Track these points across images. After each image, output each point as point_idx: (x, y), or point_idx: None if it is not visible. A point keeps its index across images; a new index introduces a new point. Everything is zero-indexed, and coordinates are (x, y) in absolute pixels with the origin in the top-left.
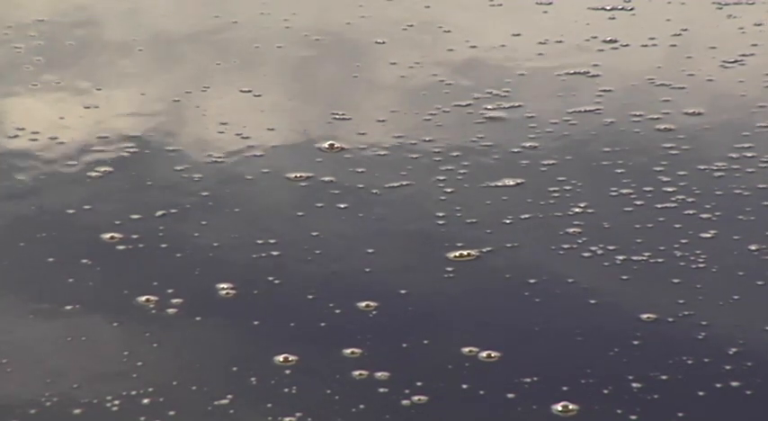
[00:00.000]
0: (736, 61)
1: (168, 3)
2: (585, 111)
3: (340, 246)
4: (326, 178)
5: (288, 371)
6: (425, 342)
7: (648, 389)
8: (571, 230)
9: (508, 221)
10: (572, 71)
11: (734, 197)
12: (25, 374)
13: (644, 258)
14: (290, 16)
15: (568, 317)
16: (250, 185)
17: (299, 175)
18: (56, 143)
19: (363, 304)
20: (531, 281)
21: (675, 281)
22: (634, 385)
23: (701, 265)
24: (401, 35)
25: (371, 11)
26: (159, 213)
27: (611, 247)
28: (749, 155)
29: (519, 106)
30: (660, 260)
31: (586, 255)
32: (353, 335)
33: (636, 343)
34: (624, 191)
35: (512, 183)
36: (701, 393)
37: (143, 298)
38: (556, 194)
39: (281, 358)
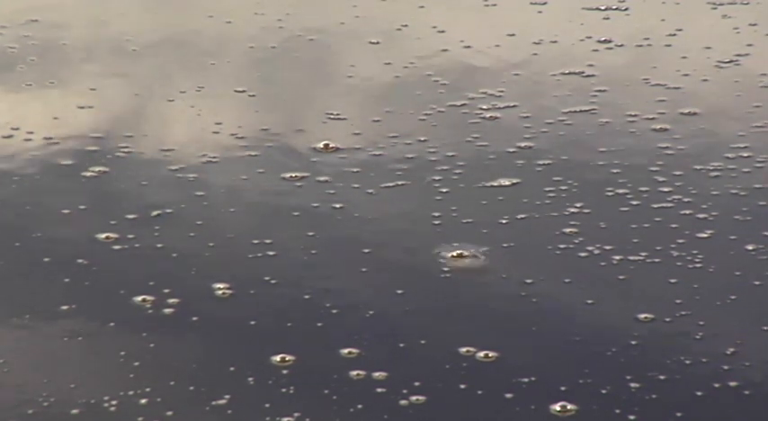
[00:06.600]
0: (731, 61)
1: (162, 2)
2: (581, 111)
3: (336, 246)
4: (322, 178)
5: (285, 372)
6: (423, 342)
7: (646, 388)
8: (567, 230)
9: (504, 221)
10: (567, 71)
11: (730, 197)
12: (22, 374)
13: (641, 258)
14: (284, 16)
15: (566, 318)
16: (245, 185)
17: (294, 175)
18: (50, 143)
19: (360, 304)
20: (528, 281)
21: (672, 281)
22: (632, 385)
23: (698, 265)
24: (395, 35)
25: (365, 11)
26: (154, 213)
27: (607, 247)
28: (745, 155)
29: (514, 106)
30: (657, 260)
31: (583, 255)
32: (351, 335)
33: (633, 343)
34: (620, 191)
35: (507, 183)
36: (699, 393)
37: (139, 298)
38: (552, 194)
39: (278, 358)
